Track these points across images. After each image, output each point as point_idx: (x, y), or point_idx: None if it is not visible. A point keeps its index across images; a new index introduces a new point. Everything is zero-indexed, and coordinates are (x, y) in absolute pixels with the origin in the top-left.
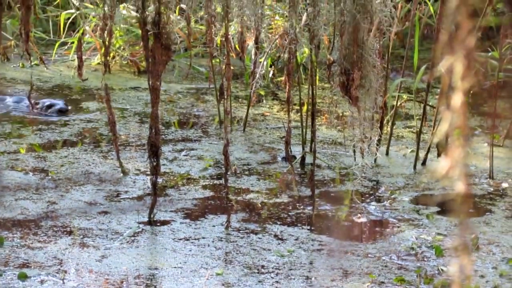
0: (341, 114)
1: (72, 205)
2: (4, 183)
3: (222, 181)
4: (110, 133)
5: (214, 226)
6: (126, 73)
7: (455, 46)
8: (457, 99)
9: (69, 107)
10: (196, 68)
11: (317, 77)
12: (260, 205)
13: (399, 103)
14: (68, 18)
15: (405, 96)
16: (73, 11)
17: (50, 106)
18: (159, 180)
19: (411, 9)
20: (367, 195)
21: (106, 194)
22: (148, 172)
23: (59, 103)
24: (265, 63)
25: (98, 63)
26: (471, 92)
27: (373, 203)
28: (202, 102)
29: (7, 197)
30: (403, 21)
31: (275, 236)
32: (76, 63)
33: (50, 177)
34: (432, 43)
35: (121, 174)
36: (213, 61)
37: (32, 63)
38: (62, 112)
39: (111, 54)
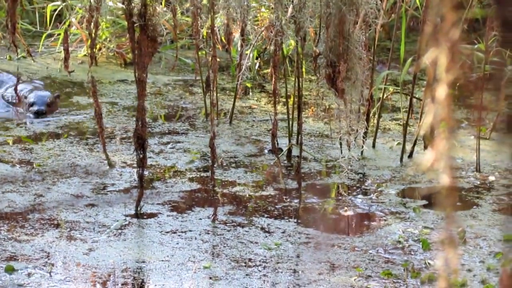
0: (327, 107)
1: (59, 197)
2: None
3: (209, 173)
4: (96, 125)
5: (201, 219)
6: (112, 65)
7: (439, 38)
8: (442, 91)
9: (51, 104)
10: (182, 60)
11: (304, 70)
12: (246, 198)
13: (385, 96)
14: (55, 10)
15: (391, 89)
16: (59, 3)
17: (31, 104)
18: (146, 172)
19: (397, 1)
20: (353, 188)
21: (92, 186)
22: (135, 165)
23: (38, 104)
24: (251, 55)
25: (85, 55)
26: (457, 84)
27: (359, 196)
28: (190, 94)
29: None
30: (389, 13)
31: (262, 229)
32: (62, 55)
33: (36, 169)
34: (418, 35)
35: (108, 167)
36: (199, 53)
37: (19, 56)
38: (38, 114)
39: (98, 46)
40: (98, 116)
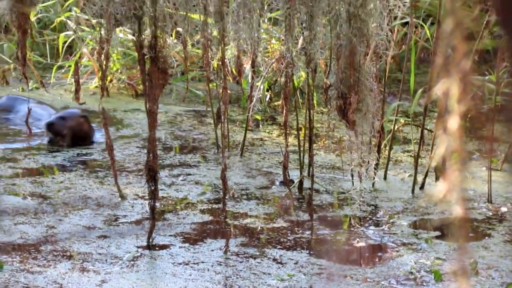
0: (339, 138)
1: (71, 229)
2: (3, 207)
3: (220, 205)
4: (108, 157)
5: (213, 250)
6: (124, 96)
7: (451, 70)
8: (454, 122)
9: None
10: (193, 91)
11: (315, 101)
12: (258, 230)
13: (396, 127)
14: (65, 42)
15: (402, 120)
16: (70, 33)
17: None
18: (157, 204)
19: (408, 32)
20: (365, 220)
21: (104, 218)
22: (146, 197)
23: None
24: (261, 87)
25: (96, 87)
26: (469, 116)
27: (371, 227)
28: (202, 124)
29: (6, 222)
30: (399, 45)
31: (275, 260)
32: (73, 87)
33: (48, 201)
34: (429, 67)
35: (119, 199)
36: (210, 84)
37: (32, 87)
38: (47, 125)
39: (109, 78)
40: (109, 148)
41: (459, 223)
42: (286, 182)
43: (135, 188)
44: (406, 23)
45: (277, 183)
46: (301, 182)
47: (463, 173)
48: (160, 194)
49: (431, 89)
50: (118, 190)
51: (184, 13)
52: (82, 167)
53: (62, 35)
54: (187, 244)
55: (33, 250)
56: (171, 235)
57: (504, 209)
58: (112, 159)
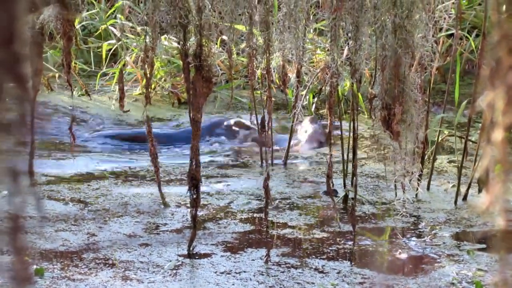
0: (383, 149)
1: (112, 237)
2: (44, 213)
3: (262, 215)
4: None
5: (254, 260)
6: (166, 103)
7: (496, 81)
8: (498, 134)
9: None
10: (237, 98)
11: (365, 110)
12: (300, 239)
13: (440, 138)
14: (110, 50)
15: (446, 131)
16: (113, 41)
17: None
18: (199, 213)
19: (453, 44)
20: (408, 230)
21: (145, 226)
22: (187, 204)
23: None
24: (307, 96)
25: (139, 94)
26: None
27: (413, 238)
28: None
29: (47, 228)
30: (444, 56)
31: (317, 269)
32: (117, 94)
33: (88, 208)
34: (474, 78)
35: (162, 206)
36: (254, 93)
37: (78, 94)
38: None
39: (153, 85)
40: (153, 156)
41: (501, 234)
42: (330, 192)
43: (175, 196)
44: (451, 34)
45: (321, 193)
46: (346, 195)
47: (507, 185)
48: (202, 202)
49: (475, 101)
50: (161, 198)
51: (230, 22)
52: (123, 173)
53: (105, 43)
54: (228, 253)
55: (75, 257)
56: (212, 244)
57: None
58: (156, 167)
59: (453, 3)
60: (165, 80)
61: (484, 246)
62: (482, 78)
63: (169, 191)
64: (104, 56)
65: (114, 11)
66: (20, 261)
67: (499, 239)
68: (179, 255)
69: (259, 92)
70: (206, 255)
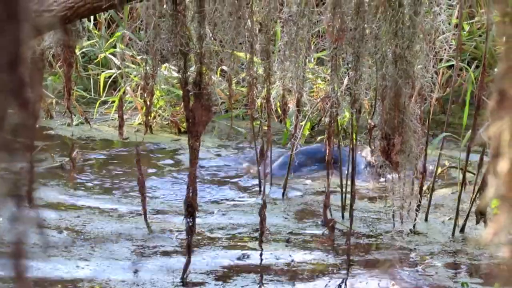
0: (382, 179)
1: (103, 263)
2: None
3: (256, 243)
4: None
5: (247, 285)
6: (167, 133)
7: (502, 112)
8: (504, 165)
9: None
10: (236, 129)
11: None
12: (294, 268)
13: (440, 170)
14: (109, 77)
15: (447, 163)
16: (113, 71)
17: None
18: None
19: (453, 75)
20: (402, 261)
21: (137, 252)
22: (177, 231)
23: None
24: (303, 126)
25: (139, 123)
26: None
27: (407, 269)
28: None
29: (38, 255)
30: (444, 87)
31: None
32: (117, 122)
33: (79, 235)
34: (474, 110)
35: (150, 234)
36: (254, 123)
37: (77, 122)
38: None
39: (152, 114)
40: (141, 184)
41: (505, 267)
42: (327, 222)
43: (167, 223)
44: (452, 65)
45: (319, 222)
46: (333, 226)
47: (511, 217)
48: (196, 229)
49: (475, 132)
50: (147, 226)
51: (230, 50)
52: (116, 198)
53: (103, 74)
54: (220, 282)
55: (70, 285)
56: (204, 272)
57: None
58: (143, 195)
59: (453, 34)
60: (164, 110)
61: (478, 278)
62: (484, 109)
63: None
64: (102, 85)
65: (114, 39)
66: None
67: (503, 271)
68: (173, 284)
69: (258, 122)
70: (199, 284)
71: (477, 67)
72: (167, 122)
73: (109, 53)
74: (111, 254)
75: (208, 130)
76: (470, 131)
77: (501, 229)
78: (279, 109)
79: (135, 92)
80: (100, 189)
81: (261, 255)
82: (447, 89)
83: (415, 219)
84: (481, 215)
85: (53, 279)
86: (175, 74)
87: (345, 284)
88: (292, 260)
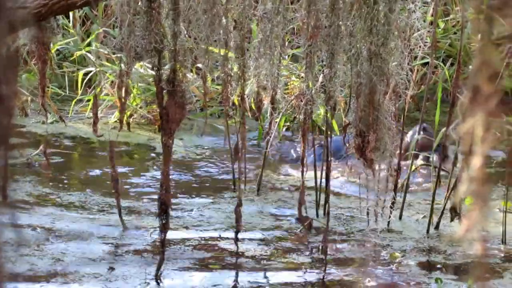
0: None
1: (78, 261)
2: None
3: (230, 240)
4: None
5: (220, 284)
6: (144, 130)
7: (474, 109)
8: (476, 161)
9: None
10: (213, 126)
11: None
12: (269, 266)
13: (414, 168)
14: (85, 75)
15: (420, 161)
16: (91, 69)
17: None
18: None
19: (427, 72)
20: (377, 259)
21: (110, 249)
22: (152, 229)
23: None
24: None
25: (115, 121)
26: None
27: (382, 266)
28: (220, 161)
29: (11, 252)
30: (418, 85)
31: None
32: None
33: (52, 232)
34: (448, 107)
35: (124, 230)
36: (229, 120)
37: (52, 120)
38: None
39: (129, 112)
40: (115, 181)
41: (477, 263)
42: (302, 220)
43: (142, 218)
44: (426, 63)
45: (293, 220)
46: (310, 223)
47: (483, 214)
48: (171, 226)
49: (449, 129)
50: (121, 223)
51: (205, 47)
52: (88, 195)
53: (81, 72)
54: (194, 278)
55: (44, 281)
56: (179, 269)
57: None
58: (117, 192)
59: (428, 31)
60: (141, 107)
61: (452, 274)
62: (458, 106)
63: None
64: (80, 83)
65: (89, 36)
66: None
67: (475, 267)
68: (146, 280)
69: (234, 120)
70: (172, 280)
71: (452, 64)
72: (144, 120)
73: (85, 51)
74: (84, 251)
75: (186, 128)
76: (444, 128)
77: (473, 226)
78: (253, 106)
79: (112, 88)
80: (71, 186)
81: (236, 252)
82: (422, 86)
83: (390, 216)
84: (455, 212)
85: (27, 274)
86: (151, 72)
87: (323, 282)
88: (268, 258)
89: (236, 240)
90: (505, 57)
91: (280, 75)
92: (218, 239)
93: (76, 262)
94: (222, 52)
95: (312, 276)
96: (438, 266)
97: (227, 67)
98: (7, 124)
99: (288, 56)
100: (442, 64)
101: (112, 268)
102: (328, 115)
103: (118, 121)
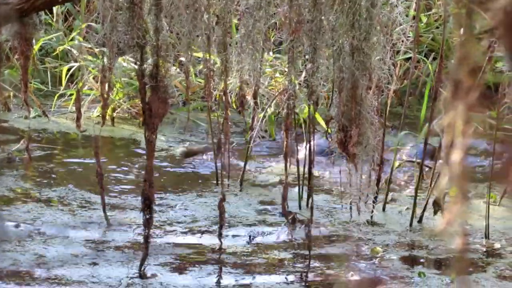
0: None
1: (60, 257)
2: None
3: (213, 235)
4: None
5: (203, 277)
6: (128, 125)
7: (456, 102)
8: (457, 155)
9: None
10: (196, 121)
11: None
12: (252, 261)
13: (398, 163)
14: (69, 70)
15: (404, 156)
16: (74, 64)
17: None
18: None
19: (410, 67)
20: (361, 252)
21: (93, 245)
22: (136, 224)
23: None
24: (266, 118)
25: (98, 116)
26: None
27: (366, 260)
28: (203, 155)
29: None
30: (401, 79)
31: None
32: (74, 115)
33: (34, 228)
34: (431, 102)
35: (108, 226)
36: (212, 115)
37: (34, 114)
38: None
39: (112, 107)
40: (100, 176)
41: (459, 256)
42: (285, 213)
43: (125, 214)
44: (409, 57)
45: (277, 214)
46: (294, 218)
47: (464, 207)
48: (154, 222)
49: (432, 124)
50: (105, 218)
51: (188, 42)
52: (72, 190)
53: (65, 67)
54: (177, 274)
55: (26, 276)
56: (162, 264)
57: (497, 245)
58: (102, 188)
59: (411, 26)
60: (124, 102)
61: (435, 268)
62: (440, 100)
63: None
64: (63, 78)
65: (71, 31)
66: None
67: (456, 261)
68: (129, 275)
69: (216, 114)
70: (155, 275)
71: (434, 59)
72: (127, 114)
73: (67, 46)
74: (67, 247)
75: (169, 123)
76: (427, 124)
77: (454, 219)
78: (233, 104)
79: (96, 83)
80: (54, 181)
81: (220, 248)
82: (405, 81)
83: (372, 210)
84: (438, 206)
85: (9, 270)
86: (134, 66)
87: (306, 276)
88: (251, 253)
89: (220, 235)
90: (487, 51)
91: (262, 70)
92: (201, 234)
93: (58, 258)
94: (205, 47)
95: (296, 270)
96: (421, 260)
97: (209, 62)
98: None
99: (271, 51)
100: (424, 59)
101: (95, 264)
102: (311, 109)
103: (101, 115)
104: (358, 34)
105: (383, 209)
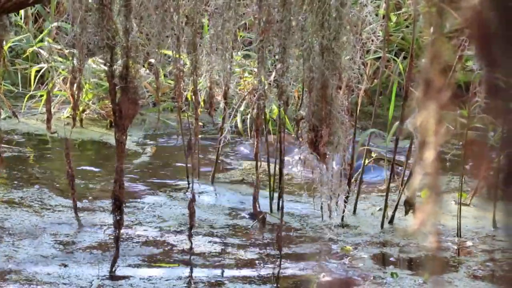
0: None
1: (30, 258)
2: None
3: (183, 236)
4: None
5: (173, 279)
6: (97, 126)
7: (427, 102)
8: (429, 154)
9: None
10: (166, 122)
11: (292, 132)
12: (223, 262)
13: (368, 162)
14: (38, 71)
15: (373, 154)
16: (43, 65)
17: None
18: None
19: (380, 66)
20: (331, 253)
21: (63, 247)
22: (106, 225)
23: None
24: (238, 118)
25: (68, 117)
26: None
27: (337, 261)
28: (173, 156)
29: None
30: (371, 79)
31: None
32: (45, 116)
33: (4, 230)
34: (401, 101)
35: (78, 227)
36: (182, 115)
37: (4, 116)
38: None
39: (81, 108)
40: (70, 177)
41: (431, 256)
42: (256, 214)
43: (94, 215)
44: (379, 57)
45: (246, 214)
46: (264, 218)
47: (437, 206)
48: (124, 223)
49: (403, 123)
50: (77, 219)
51: (157, 43)
52: (44, 191)
53: (34, 68)
54: (147, 275)
55: None
56: (132, 265)
57: (469, 243)
58: (73, 189)
59: (380, 25)
60: (94, 103)
61: (407, 268)
62: (411, 99)
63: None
64: (33, 79)
65: (41, 33)
66: None
67: (429, 260)
68: (100, 276)
69: (186, 114)
70: (125, 277)
71: (404, 58)
72: (96, 116)
73: (37, 47)
74: (36, 249)
75: (138, 123)
76: (397, 123)
77: (427, 219)
78: (203, 103)
79: (65, 84)
80: (23, 183)
81: (190, 248)
82: (375, 80)
83: (344, 211)
84: (409, 206)
85: None
86: (103, 67)
87: (277, 277)
88: (222, 253)
89: (190, 236)
90: (457, 50)
91: (232, 70)
92: (172, 235)
93: (28, 259)
94: (174, 48)
95: (266, 271)
96: (394, 260)
97: (179, 63)
98: None
99: (240, 51)
100: (395, 58)
101: (65, 265)
102: (281, 109)
103: (71, 117)
104: (328, 33)
105: (354, 211)
